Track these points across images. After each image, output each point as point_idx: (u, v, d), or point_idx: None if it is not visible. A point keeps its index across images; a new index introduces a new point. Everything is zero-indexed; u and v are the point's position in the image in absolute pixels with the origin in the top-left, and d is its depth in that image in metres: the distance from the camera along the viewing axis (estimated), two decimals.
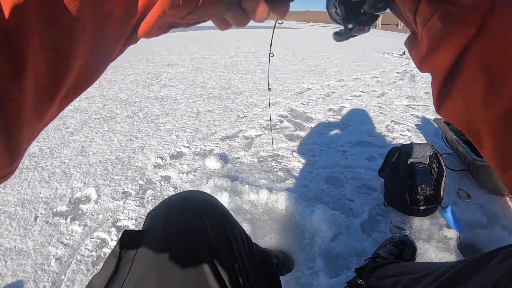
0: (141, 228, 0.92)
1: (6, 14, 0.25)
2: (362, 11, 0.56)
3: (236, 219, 2.08)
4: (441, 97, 0.49)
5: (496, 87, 0.40)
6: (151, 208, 2.18)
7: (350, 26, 0.57)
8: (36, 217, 2.15)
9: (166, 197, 2.32)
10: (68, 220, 2.14)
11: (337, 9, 0.58)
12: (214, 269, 0.80)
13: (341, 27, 0.59)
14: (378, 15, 0.58)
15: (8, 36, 0.25)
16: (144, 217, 2.08)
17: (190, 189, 2.46)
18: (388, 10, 0.56)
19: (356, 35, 0.59)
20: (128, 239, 0.86)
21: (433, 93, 0.50)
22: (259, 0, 0.42)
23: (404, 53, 9.76)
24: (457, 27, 0.41)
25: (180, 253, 0.80)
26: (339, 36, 0.59)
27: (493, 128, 0.42)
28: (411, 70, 7.53)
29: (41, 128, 0.34)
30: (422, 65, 0.51)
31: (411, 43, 0.53)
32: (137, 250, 0.83)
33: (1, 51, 0.25)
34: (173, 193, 2.35)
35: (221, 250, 0.84)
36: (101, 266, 1.80)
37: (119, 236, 0.88)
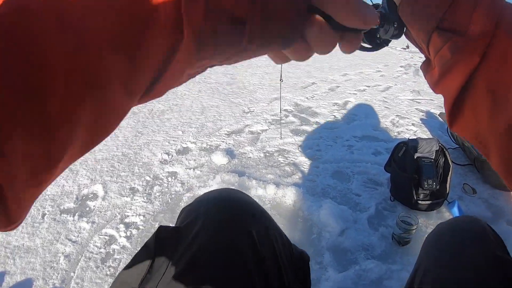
0: (175, 225, 0.92)
1: None
2: (378, 36, 0.60)
3: None
4: (452, 116, 0.54)
5: (500, 106, 0.45)
6: (159, 204, 2.21)
7: (367, 45, 0.61)
8: (43, 215, 2.16)
9: (173, 193, 2.36)
10: (76, 217, 2.15)
11: None
12: (258, 268, 0.81)
13: None
14: (391, 40, 0.62)
15: None
16: (152, 213, 2.09)
17: (197, 185, 2.49)
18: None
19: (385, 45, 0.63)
20: (165, 237, 0.85)
21: (446, 112, 0.56)
22: (326, 30, 0.38)
23: (407, 46, 9.68)
24: (464, 56, 0.47)
25: (223, 254, 0.80)
26: (365, 47, 0.63)
27: (499, 141, 0.47)
28: (415, 64, 7.50)
29: (44, 189, 0.32)
30: (435, 88, 0.57)
31: (426, 68, 0.59)
32: (174, 250, 0.82)
33: None
34: (181, 189, 2.37)
35: (264, 249, 0.85)
36: (110, 262, 1.82)
37: (155, 231, 0.86)
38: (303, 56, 0.42)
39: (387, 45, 0.63)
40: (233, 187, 2.30)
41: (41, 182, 0.30)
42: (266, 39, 0.35)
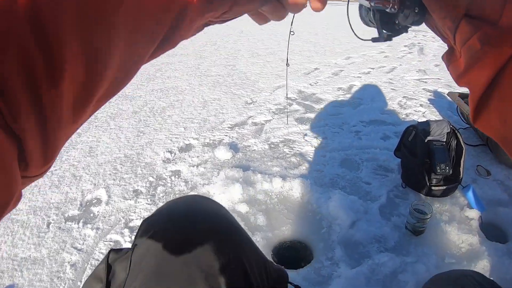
0: (134, 239, 0.83)
1: (43, 9, 0.24)
2: (396, 22, 0.58)
3: (250, 210, 2.04)
4: (477, 111, 0.51)
5: None
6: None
7: (385, 32, 0.60)
8: (48, 224, 2.12)
9: (177, 192, 2.30)
10: (81, 224, 2.11)
11: (372, 16, 0.60)
12: None
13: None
14: (410, 27, 0.60)
15: (45, 34, 0.25)
16: None
17: (201, 183, 2.42)
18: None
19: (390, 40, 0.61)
20: (116, 259, 0.78)
21: (470, 107, 0.52)
22: None
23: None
24: (495, 47, 0.44)
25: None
26: (374, 40, 0.61)
27: None
28: (419, 43, 7.39)
29: (77, 128, 0.34)
30: (460, 80, 0.53)
31: (449, 58, 0.55)
32: (128, 274, 0.74)
33: (38, 51, 0.25)
34: (185, 188, 2.32)
35: (232, 275, 0.75)
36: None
37: (105, 256, 0.79)
38: (279, 14, 0.45)
39: (406, 32, 0.61)
40: (237, 183, 2.24)
41: (77, 119, 0.32)
42: None
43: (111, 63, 0.31)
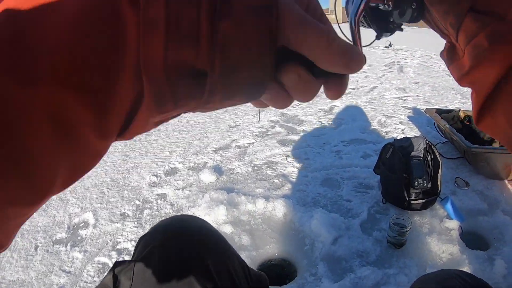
0: (133, 254, 0.91)
1: None
2: (391, 20, 0.54)
3: (235, 231, 2.08)
4: (482, 112, 0.48)
5: None
6: (150, 228, 2.18)
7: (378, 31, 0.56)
8: (36, 247, 2.13)
9: (164, 215, 2.33)
10: (68, 247, 2.12)
11: (364, 16, 0.56)
12: None
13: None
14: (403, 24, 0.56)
15: None
16: None
17: (186, 205, 2.45)
18: None
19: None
20: (121, 270, 0.84)
21: (474, 108, 0.50)
22: (305, 77, 0.33)
23: (390, 45, 9.74)
24: (505, 45, 0.41)
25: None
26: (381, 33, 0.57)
27: None
28: (398, 62, 7.54)
29: (25, 221, 0.32)
30: (462, 80, 0.50)
31: (450, 57, 0.52)
32: (132, 282, 0.81)
33: None
34: (170, 210, 2.35)
35: (221, 280, 0.83)
36: None
37: (111, 267, 0.85)
38: (283, 104, 0.37)
39: (401, 30, 0.57)
40: (222, 205, 2.28)
41: (26, 214, 0.30)
42: (228, 92, 0.31)
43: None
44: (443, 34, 0.52)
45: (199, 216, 2.12)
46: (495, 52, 0.41)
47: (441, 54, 0.54)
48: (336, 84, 0.35)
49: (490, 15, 0.41)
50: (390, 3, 0.50)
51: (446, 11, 0.45)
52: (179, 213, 2.37)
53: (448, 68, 0.53)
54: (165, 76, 0.28)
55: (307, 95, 0.34)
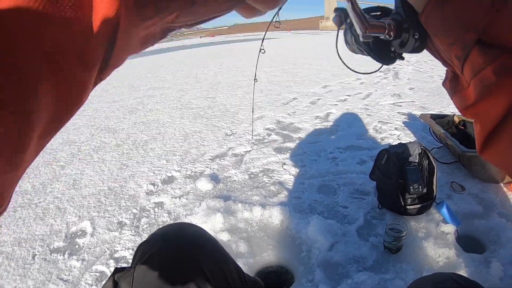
0: (132, 261, 0.93)
1: None
2: (392, 49, 0.53)
3: (232, 238, 2.09)
4: (486, 143, 0.47)
5: None
6: (147, 236, 2.18)
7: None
8: (34, 256, 2.14)
9: (161, 223, 2.33)
10: (66, 255, 2.13)
11: (359, 45, 0.54)
12: None
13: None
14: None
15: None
16: None
17: (183, 214, 2.46)
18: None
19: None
20: (121, 276, 0.86)
21: (478, 139, 0.48)
22: None
23: None
24: None
25: None
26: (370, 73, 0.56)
27: None
28: (394, 68, 7.57)
29: (20, 175, 0.30)
30: (467, 111, 0.49)
31: (454, 88, 0.51)
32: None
33: None
34: (168, 219, 2.35)
35: (218, 284, 0.86)
36: None
37: (111, 274, 0.87)
38: (269, 2, 0.35)
39: (402, 59, 0.55)
40: (219, 213, 2.29)
41: (17, 165, 0.28)
42: None
43: (38, 116, 0.27)
44: (446, 64, 0.51)
45: (196, 224, 2.13)
46: (503, 87, 0.40)
47: (444, 84, 0.53)
48: None
49: (498, 48, 0.40)
50: (391, 33, 0.49)
51: (452, 42, 0.44)
52: (176, 221, 2.38)
53: (451, 99, 0.52)
54: None
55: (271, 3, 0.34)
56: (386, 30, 0.49)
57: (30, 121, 0.26)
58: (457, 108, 0.50)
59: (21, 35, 0.23)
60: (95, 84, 0.31)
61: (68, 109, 0.30)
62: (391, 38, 0.50)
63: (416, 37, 0.48)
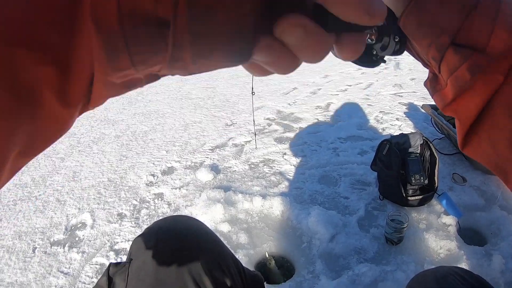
0: (128, 255, 0.91)
1: None
2: (374, 52, 0.54)
3: (232, 229, 2.07)
4: (467, 139, 0.50)
5: None
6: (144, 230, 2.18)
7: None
8: (34, 249, 2.13)
9: (161, 215, 2.32)
10: (66, 248, 2.12)
11: None
12: None
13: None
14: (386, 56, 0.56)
15: None
16: None
17: (183, 205, 2.46)
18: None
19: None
20: (116, 272, 0.85)
21: (459, 135, 0.52)
22: (313, 29, 0.26)
23: None
24: (486, 76, 0.43)
25: None
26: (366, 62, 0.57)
27: None
28: (395, 58, 7.51)
29: None
30: (446, 109, 0.52)
31: (433, 87, 0.54)
32: (126, 284, 0.81)
33: None
34: (168, 210, 2.34)
35: (215, 279, 0.84)
36: None
37: (106, 269, 0.86)
38: (287, 67, 0.29)
39: (384, 62, 0.57)
40: (219, 203, 2.28)
41: None
42: (200, 45, 0.25)
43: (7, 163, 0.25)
44: (425, 65, 0.55)
45: (196, 215, 2.13)
46: (476, 84, 0.44)
47: (425, 84, 0.57)
48: (352, 39, 0.29)
49: (471, 48, 0.43)
50: (373, 36, 0.51)
51: (428, 44, 0.47)
52: (176, 212, 2.37)
53: (432, 97, 0.55)
54: (118, 23, 0.23)
55: (317, 53, 0.28)
56: (368, 35, 0.50)
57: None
58: (438, 106, 0.54)
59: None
60: (80, 113, 0.29)
61: (37, 146, 0.27)
62: (373, 42, 0.51)
63: (396, 40, 0.51)
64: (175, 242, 0.88)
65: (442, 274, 0.96)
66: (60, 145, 3.60)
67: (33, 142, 0.26)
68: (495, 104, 0.44)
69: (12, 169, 0.27)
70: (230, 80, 6.09)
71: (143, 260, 0.84)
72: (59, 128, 0.27)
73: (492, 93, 0.43)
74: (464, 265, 1.80)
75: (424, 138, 2.27)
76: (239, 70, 6.82)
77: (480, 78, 0.43)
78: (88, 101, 0.28)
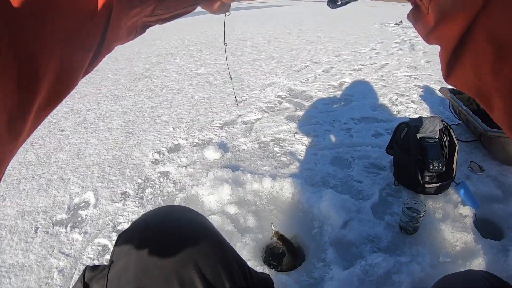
0: (110, 255, 0.78)
1: None
2: (338, 3, 0.57)
3: (240, 211, 1.99)
4: (450, 67, 0.49)
5: (504, 56, 0.39)
6: (151, 208, 2.09)
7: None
8: (36, 229, 2.07)
9: (166, 194, 2.26)
10: (68, 228, 2.06)
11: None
12: None
13: None
14: None
15: None
16: None
17: (189, 184, 2.37)
18: None
19: (349, 2, 0.59)
20: (92, 278, 0.74)
21: (442, 63, 0.50)
22: None
23: (401, 22, 9.61)
24: None
25: None
26: (333, 4, 0.59)
27: (504, 93, 0.42)
28: (410, 40, 7.38)
29: (19, 146, 0.34)
30: (429, 37, 0.51)
31: (416, 17, 0.52)
32: None
33: None
34: (173, 189, 2.28)
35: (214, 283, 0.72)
36: None
37: (81, 273, 0.75)
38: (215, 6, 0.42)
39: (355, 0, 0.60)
40: (226, 184, 2.20)
41: (17, 135, 0.32)
42: None
43: (43, 78, 0.31)
44: None
45: (203, 196, 2.03)
46: (456, 6, 0.42)
47: (408, 16, 0.55)
48: None
49: None
50: None
51: None
52: (182, 192, 2.29)
53: (415, 28, 0.54)
54: None
55: None
56: None
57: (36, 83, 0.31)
58: (421, 36, 0.53)
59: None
60: (85, 74, 0.38)
61: (68, 79, 0.35)
62: None
63: None
64: (164, 243, 0.75)
65: (472, 279, 0.92)
66: (66, 122, 3.54)
67: (56, 86, 0.35)
68: (475, 30, 0.42)
69: (36, 121, 0.34)
70: (240, 57, 6.01)
71: (125, 264, 0.72)
72: (77, 72, 0.37)
73: (472, 17, 0.41)
74: (480, 259, 1.70)
75: (444, 123, 2.16)
76: (249, 47, 6.73)
77: (461, 1, 0.42)
78: (99, 53, 0.37)
